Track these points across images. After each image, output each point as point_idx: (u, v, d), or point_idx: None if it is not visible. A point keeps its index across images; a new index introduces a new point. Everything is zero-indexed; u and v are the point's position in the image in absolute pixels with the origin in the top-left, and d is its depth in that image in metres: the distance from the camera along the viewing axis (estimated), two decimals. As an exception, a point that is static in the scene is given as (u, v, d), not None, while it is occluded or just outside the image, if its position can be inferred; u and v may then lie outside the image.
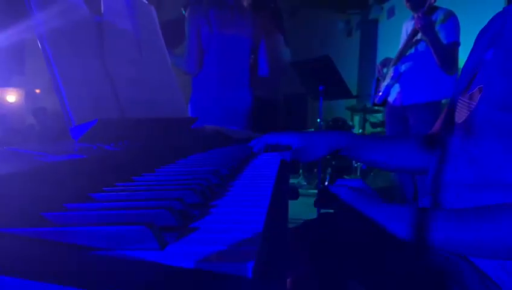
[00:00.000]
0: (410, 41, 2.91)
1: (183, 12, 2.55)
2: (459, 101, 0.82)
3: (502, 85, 0.69)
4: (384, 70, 3.23)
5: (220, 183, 0.51)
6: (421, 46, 2.89)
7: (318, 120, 5.32)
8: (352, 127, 5.38)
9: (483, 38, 0.84)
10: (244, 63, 2.44)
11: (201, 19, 2.25)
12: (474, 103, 0.75)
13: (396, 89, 3.06)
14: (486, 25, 0.87)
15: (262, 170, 0.65)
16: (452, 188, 0.78)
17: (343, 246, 0.75)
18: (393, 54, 3.26)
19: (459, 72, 1.05)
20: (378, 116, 5.71)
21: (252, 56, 2.51)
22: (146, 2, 1.21)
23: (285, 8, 6.78)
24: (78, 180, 0.43)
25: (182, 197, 0.37)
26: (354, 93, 6.18)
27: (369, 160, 1.02)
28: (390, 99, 3.12)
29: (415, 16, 2.63)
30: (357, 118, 5.98)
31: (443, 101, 3.02)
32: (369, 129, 5.57)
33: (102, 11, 0.89)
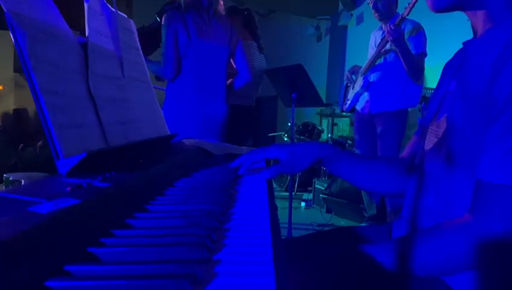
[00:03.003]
0: (380, 51, 2.98)
1: (158, 19, 2.51)
2: (429, 129, 0.87)
3: (462, 114, 0.75)
4: (353, 77, 3.30)
5: (217, 226, 0.51)
6: (390, 57, 2.98)
7: (289, 124, 5.36)
8: (322, 131, 5.45)
9: (448, 71, 0.90)
10: (221, 70, 2.43)
11: (178, 25, 2.22)
12: (441, 131, 0.79)
13: (365, 98, 3.13)
14: (451, 59, 0.94)
15: (253, 204, 0.65)
16: (424, 213, 0.82)
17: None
18: (361, 59, 3.32)
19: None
20: (346, 121, 5.83)
21: (228, 64, 2.51)
22: (125, 15, 1.18)
23: (255, 12, 6.81)
24: (76, 233, 0.42)
25: (188, 257, 0.37)
26: (323, 98, 6.28)
27: (348, 176, 1.04)
28: (359, 107, 3.20)
29: (386, 27, 2.70)
30: (325, 123, 6.07)
31: (409, 109, 3.11)
32: (337, 133, 5.67)
33: (86, 32, 0.86)
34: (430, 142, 0.85)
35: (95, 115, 0.80)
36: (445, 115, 0.80)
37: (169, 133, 1.22)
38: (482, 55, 0.74)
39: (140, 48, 1.23)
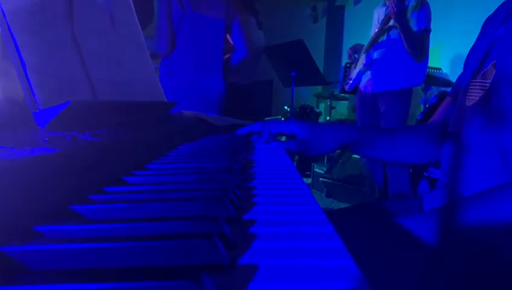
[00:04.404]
0: (383, 28, 2.86)
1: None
2: (471, 84, 0.76)
3: None
4: (355, 56, 3.17)
5: (240, 184, 0.40)
6: (393, 33, 2.85)
7: (285, 107, 5.24)
8: (320, 113, 5.33)
9: (494, 21, 0.79)
10: (218, 45, 2.30)
11: None
12: (489, 81, 0.69)
13: (367, 76, 3.01)
14: (494, 12, 0.83)
15: (276, 166, 0.54)
16: (476, 178, 0.72)
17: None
18: (359, 40, 3.19)
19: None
20: (345, 104, 5.71)
21: (225, 39, 2.37)
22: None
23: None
24: (53, 185, 0.31)
25: (213, 213, 0.26)
26: (321, 81, 6.14)
27: (378, 157, 0.93)
28: (361, 86, 3.08)
29: (389, 1, 2.58)
30: (322, 105, 5.95)
31: (413, 88, 3.00)
32: (334, 116, 5.55)
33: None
34: (474, 96, 0.74)
35: (82, 68, 0.68)
36: (494, 61, 0.69)
37: (167, 100, 1.10)
38: None
39: (133, 9, 1.11)
